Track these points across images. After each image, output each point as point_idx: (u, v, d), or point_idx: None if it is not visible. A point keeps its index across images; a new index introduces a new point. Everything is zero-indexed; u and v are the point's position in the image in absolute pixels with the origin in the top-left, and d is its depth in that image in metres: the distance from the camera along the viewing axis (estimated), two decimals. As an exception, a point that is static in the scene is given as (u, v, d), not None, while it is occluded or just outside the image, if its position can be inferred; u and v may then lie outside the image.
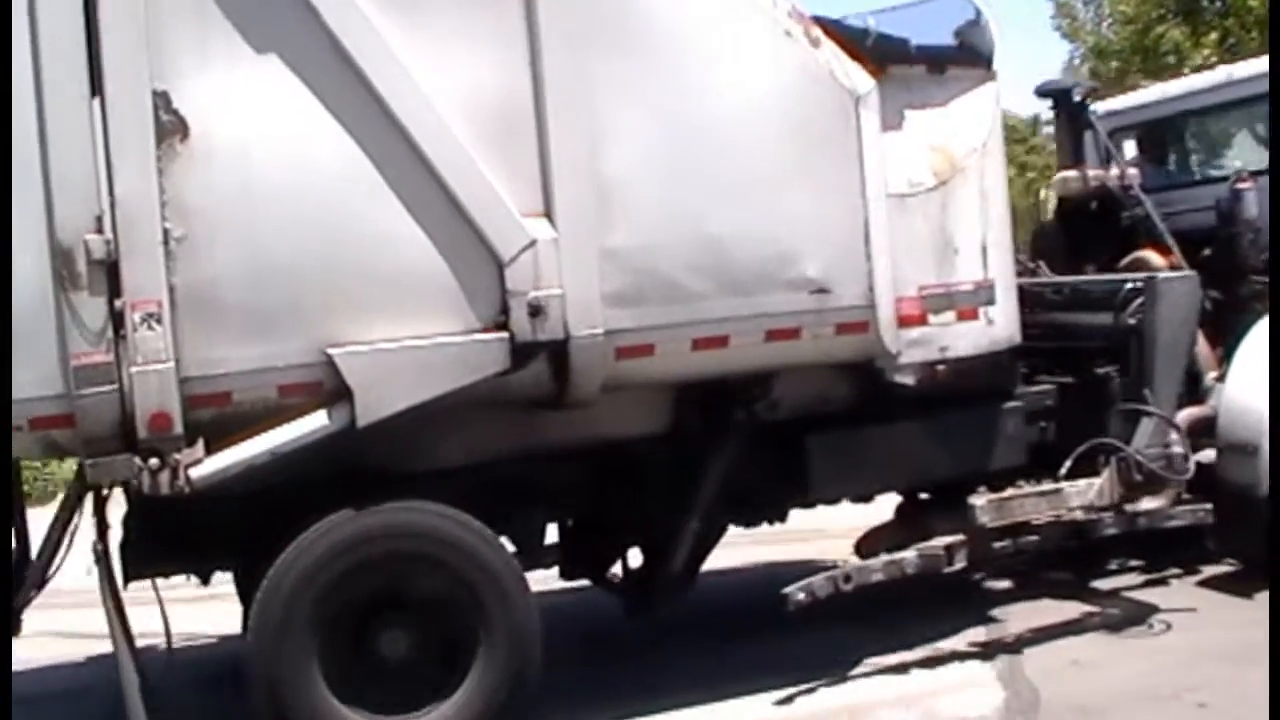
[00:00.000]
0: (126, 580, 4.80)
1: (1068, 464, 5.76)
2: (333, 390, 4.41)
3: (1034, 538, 5.64)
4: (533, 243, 4.61)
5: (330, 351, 4.37)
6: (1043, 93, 7.48)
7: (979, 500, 5.53)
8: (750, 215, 4.95)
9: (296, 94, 4.37)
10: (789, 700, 5.12)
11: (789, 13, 5.09)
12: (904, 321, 5.40)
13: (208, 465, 4.30)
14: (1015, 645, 5.58)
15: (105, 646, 4.66)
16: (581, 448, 5.16)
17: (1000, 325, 5.74)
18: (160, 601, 4.83)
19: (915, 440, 5.66)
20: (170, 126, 4.25)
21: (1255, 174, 6.64)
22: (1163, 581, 6.38)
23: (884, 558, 5.45)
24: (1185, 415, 6.09)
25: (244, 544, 4.75)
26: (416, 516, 4.58)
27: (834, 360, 5.31)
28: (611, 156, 4.73)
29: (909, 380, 5.47)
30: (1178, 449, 5.88)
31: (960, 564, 5.50)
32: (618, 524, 5.58)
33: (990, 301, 5.67)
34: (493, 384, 4.61)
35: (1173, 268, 6.57)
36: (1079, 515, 5.72)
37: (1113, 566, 6.69)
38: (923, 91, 5.71)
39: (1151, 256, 6.59)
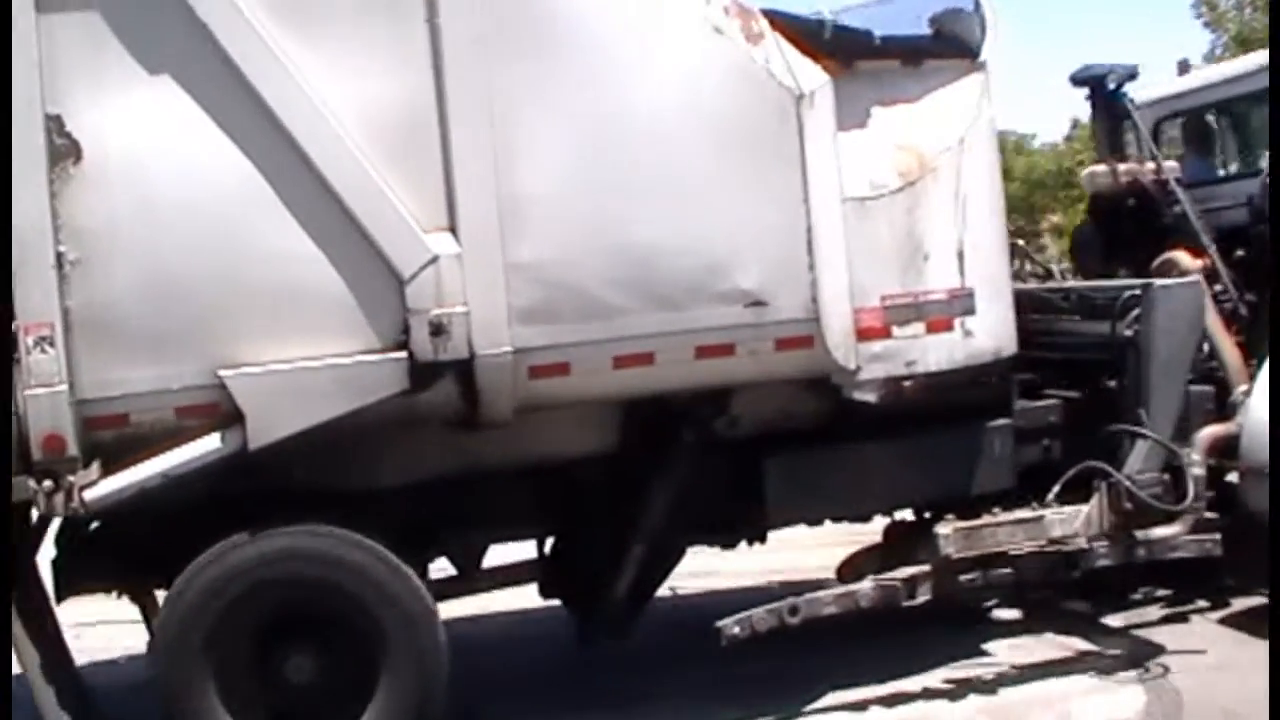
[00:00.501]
0: (59, 597, 4.92)
1: (1055, 489, 5.36)
2: (228, 412, 4.41)
3: (1007, 570, 5.22)
4: (435, 259, 4.51)
5: (222, 374, 4.37)
6: (1076, 80, 6.98)
7: (944, 529, 5.17)
8: (676, 224, 4.74)
9: (192, 115, 4.38)
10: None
11: (725, 7, 4.85)
12: (864, 334, 5.10)
13: (102, 487, 4.35)
14: (989, 686, 5.20)
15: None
16: (525, 467, 5.05)
17: (983, 337, 5.38)
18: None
19: (886, 462, 5.36)
20: (63, 150, 4.31)
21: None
22: (1182, 618, 5.86)
23: (837, 590, 5.17)
24: (1206, 434, 5.59)
25: (170, 562, 4.80)
26: (314, 540, 4.54)
27: (779, 377, 5.05)
28: (522, 167, 4.60)
29: (871, 398, 5.16)
30: (1196, 470, 5.41)
31: (923, 597, 5.15)
32: (565, 546, 5.45)
33: (968, 311, 5.32)
34: (400, 404, 4.53)
35: (1206, 271, 6.05)
36: (1069, 545, 5.29)
37: (1137, 597, 6.19)
38: (895, 86, 5.40)
39: (1181, 258, 6.07)
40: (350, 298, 4.49)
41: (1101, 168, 6.59)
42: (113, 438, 4.41)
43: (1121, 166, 6.53)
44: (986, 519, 5.25)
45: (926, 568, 5.16)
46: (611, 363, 4.73)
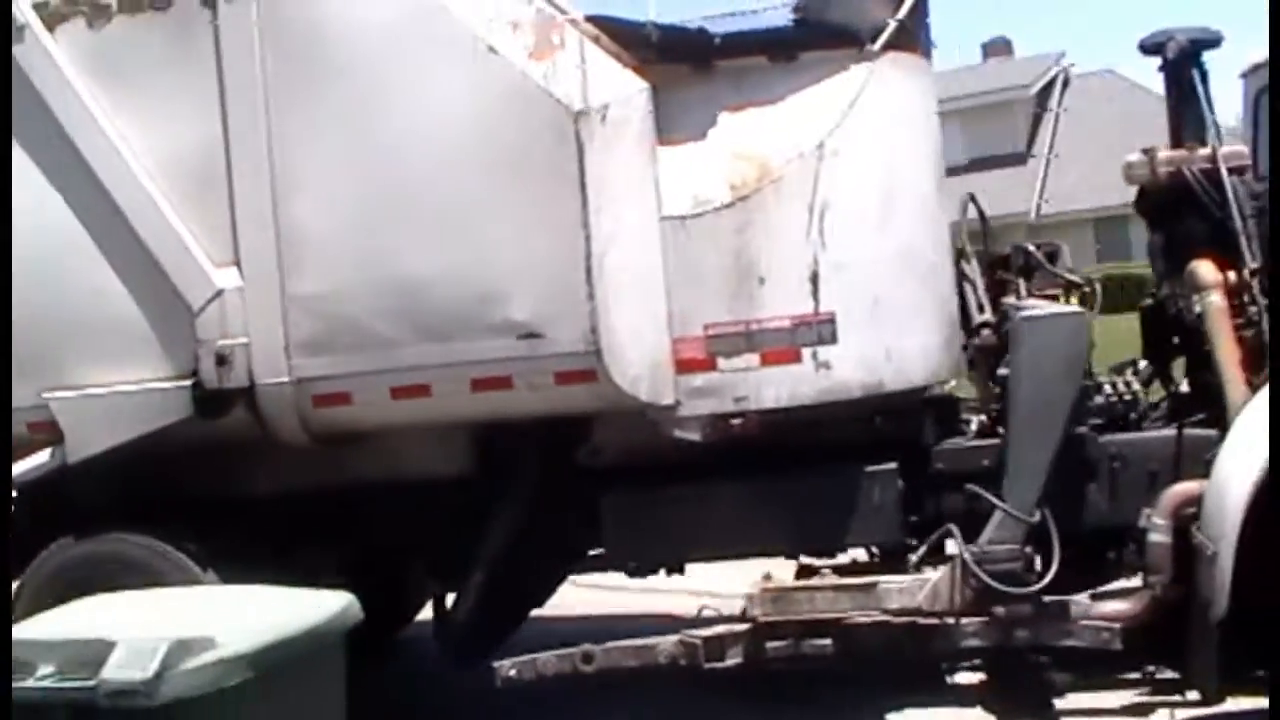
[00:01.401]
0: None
1: (919, 553, 4.69)
2: (59, 430, 5.05)
3: (826, 642, 4.62)
4: (219, 293, 4.85)
5: (44, 395, 5.01)
6: (1145, 48, 5.85)
7: (754, 588, 4.70)
8: (446, 255, 4.71)
9: (28, 170, 5.01)
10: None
11: (514, 23, 4.72)
12: (684, 366, 4.78)
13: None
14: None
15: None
16: (376, 486, 5.24)
17: (849, 369, 4.80)
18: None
19: (735, 504, 4.96)
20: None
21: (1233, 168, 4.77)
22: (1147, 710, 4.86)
23: (637, 641, 4.86)
24: (1172, 493, 4.60)
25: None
26: (116, 546, 5.05)
27: (576, 412, 4.85)
28: (298, 203, 4.80)
29: (694, 436, 4.81)
30: (1157, 536, 4.49)
31: (732, 660, 4.71)
32: (415, 567, 5.58)
33: (824, 340, 4.77)
34: (203, 427, 4.93)
35: (1229, 287, 4.93)
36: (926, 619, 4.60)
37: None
38: (759, 86, 4.95)
39: (1202, 269, 4.94)
40: (152, 329, 4.94)
41: (1137, 156, 5.47)
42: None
43: (1162, 154, 5.38)
44: (811, 581, 4.70)
45: (738, 628, 4.73)
46: (390, 393, 4.81)
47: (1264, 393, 4.45)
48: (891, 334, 4.87)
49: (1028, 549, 4.52)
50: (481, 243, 4.69)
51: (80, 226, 4.98)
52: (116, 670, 2.62)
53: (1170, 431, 4.94)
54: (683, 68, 4.96)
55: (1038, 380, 4.52)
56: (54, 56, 4.92)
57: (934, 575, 4.59)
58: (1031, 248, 5.70)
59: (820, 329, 4.77)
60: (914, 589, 4.57)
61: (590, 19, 4.85)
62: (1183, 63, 5.56)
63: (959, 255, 5.59)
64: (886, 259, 4.92)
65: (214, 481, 5.13)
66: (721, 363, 4.78)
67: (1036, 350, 4.51)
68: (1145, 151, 5.49)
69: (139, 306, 4.95)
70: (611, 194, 4.65)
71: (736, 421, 4.80)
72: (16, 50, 4.92)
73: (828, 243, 4.80)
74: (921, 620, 4.61)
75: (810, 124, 4.85)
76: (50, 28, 4.95)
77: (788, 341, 4.77)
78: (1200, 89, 5.55)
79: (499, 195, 4.67)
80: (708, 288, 4.77)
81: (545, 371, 4.69)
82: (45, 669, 2.73)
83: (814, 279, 4.79)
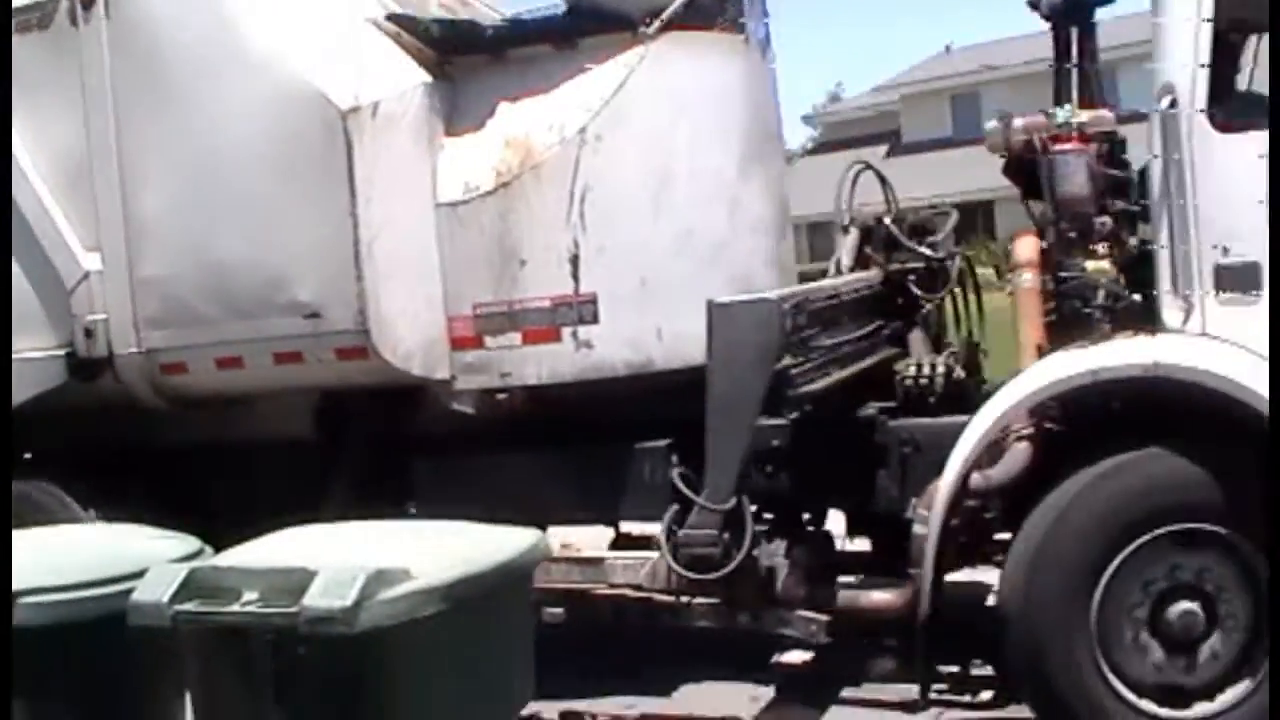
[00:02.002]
0: None
1: (663, 528, 4.86)
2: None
3: (559, 610, 4.87)
4: (86, 275, 5.62)
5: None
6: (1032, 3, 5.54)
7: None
8: (245, 242, 5.26)
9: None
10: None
11: (305, 29, 5.18)
12: (457, 344, 5.17)
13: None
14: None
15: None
16: (234, 443, 5.91)
17: (611, 348, 5.03)
18: None
19: (522, 475, 5.27)
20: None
21: (1085, 135, 4.46)
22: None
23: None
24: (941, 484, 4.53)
25: None
26: (23, 489, 5.91)
27: (362, 384, 5.31)
28: (142, 198, 5.47)
29: (468, 409, 5.20)
30: (919, 529, 4.48)
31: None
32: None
33: (585, 320, 5.02)
34: (82, 389, 5.74)
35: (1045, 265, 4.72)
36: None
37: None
38: (542, 74, 5.21)
39: (1019, 246, 4.73)
40: (41, 305, 5.77)
41: (993, 124, 5.25)
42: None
43: (1018, 122, 5.12)
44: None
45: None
46: (215, 364, 5.46)
47: (1017, 380, 4.31)
48: (663, 315, 5.03)
49: (725, 535, 4.60)
50: (271, 232, 5.21)
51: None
52: (317, 598, 2.72)
53: (964, 417, 4.85)
54: (479, 60, 5.27)
55: (729, 369, 4.54)
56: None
57: (654, 555, 4.77)
58: (888, 220, 5.61)
59: (581, 309, 5.00)
60: (637, 567, 4.79)
61: (391, 18, 5.24)
62: (1061, 19, 5.28)
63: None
64: (659, 241, 5.07)
65: (103, 437, 5.95)
66: (488, 340, 5.12)
67: (727, 339, 4.54)
68: (1001, 118, 5.28)
69: (31, 285, 5.78)
70: (382, 185, 5.06)
71: (502, 396, 5.14)
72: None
73: (589, 226, 5.01)
74: (657, 597, 4.82)
75: (576, 110, 5.05)
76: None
77: (548, 321, 5.03)
78: (1082, 47, 5.24)
79: (284, 190, 5.17)
80: (477, 270, 5.10)
81: (327, 348, 5.19)
82: (249, 595, 2.86)
83: (574, 261, 5.02)
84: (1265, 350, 3.84)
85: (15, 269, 5.76)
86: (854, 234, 5.67)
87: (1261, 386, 3.76)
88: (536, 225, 5.04)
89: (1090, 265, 4.36)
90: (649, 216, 5.07)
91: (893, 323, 5.44)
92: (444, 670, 2.93)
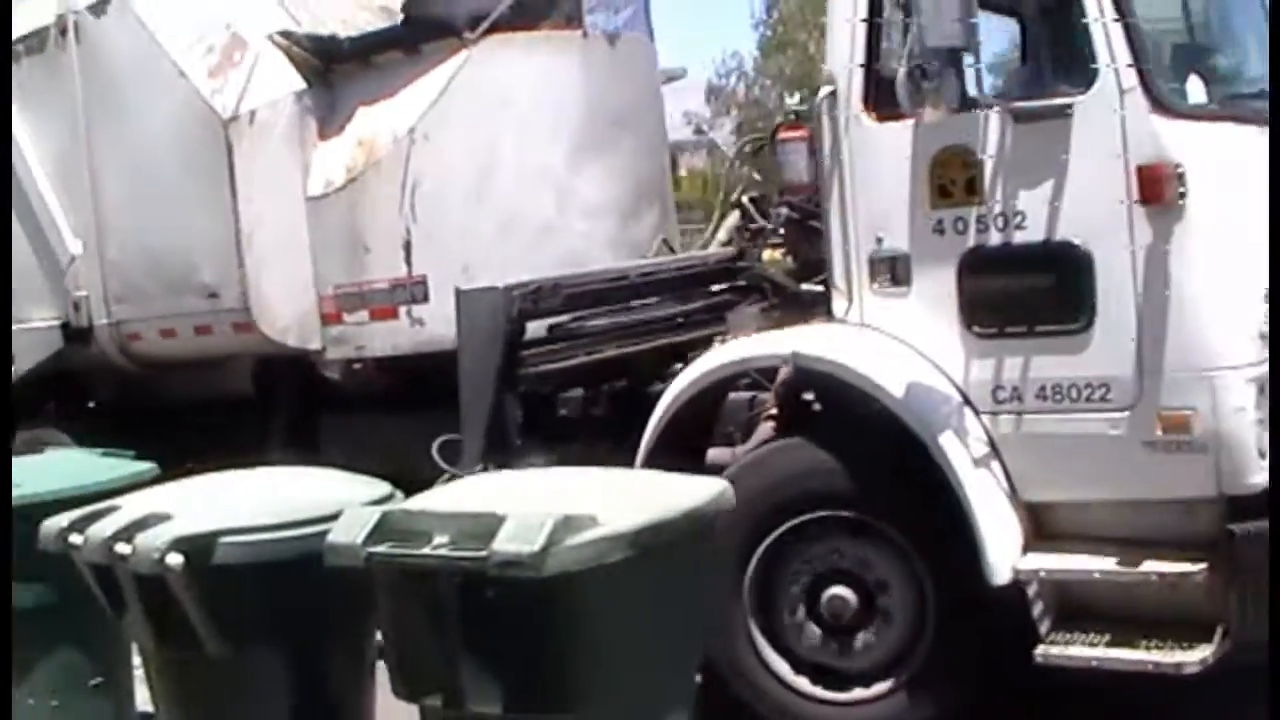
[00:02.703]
0: None
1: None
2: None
3: None
4: (74, 257, 6.81)
5: (-3, 328, 7.31)
6: None
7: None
8: (166, 232, 6.28)
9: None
10: None
11: (210, 45, 6.07)
12: (326, 319, 6.01)
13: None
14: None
15: None
16: (194, 400, 6.97)
17: (443, 325, 5.68)
18: None
19: (378, 432, 6.00)
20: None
21: (798, 122, 4.70)
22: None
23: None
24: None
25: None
26: (40, 434, 7.22)
27: (259, 353, 6.22)
28: (104, 191, 6.58)
29: (335, 376, 6.03)
30: None
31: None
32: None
33: (418, 299, 5.73)
34: (89, 350, 6.95)
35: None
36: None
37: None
38: (394, 78, 5.89)
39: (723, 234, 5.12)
40: (46, 282, 7.02)
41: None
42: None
43: None
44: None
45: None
46: (159, 334, 6.53)
47: (691, 365, 4.68)
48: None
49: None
50: (182, 224, 6.19)
51: (16, 209, 7.15)
52: (506, 543, 2.75)
53: None
54: (352, 68, 6.01)
55: (470, 348, 5.03)
56: (-8, 83, 7.07)
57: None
58: (745, 200, 5.95)
59: (413, 290, 5.71)
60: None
61: (282, 34, 6.05)
62: None
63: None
64: (483, 227, 5.69)
65: (104, 393, 7.19)
66: (346, 317, 5.92)
67: (467, 322, 5.02)
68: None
69: (37, 265, 7.02)
70: (259, 183, 5.93)
71: (358, 366, 5.94)
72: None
73: (419, 215, 5.70)
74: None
75: (409, 111, 5.71)
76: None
77: (387, 301, 5.77)
78: None
79: (189, 188, 6.13)
80: (335, 255, 5.90)
81: (225, 323, 6.14)
82: (440, 539, 2.90)
83: (407, 247, 5.72)
84: (919, 340, 4.07)
85: (27, 251, 7.02)
86: (735, 214, 6.04)
87: (888, 378, 4.01)
88: (377, 215, 5.77)
89: (766, 255, 4.66)
90: (473, 205, 5.69)
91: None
92: (629, 616, 2.95)
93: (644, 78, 6.26)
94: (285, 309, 5.99)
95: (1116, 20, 3.65)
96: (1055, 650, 3.83)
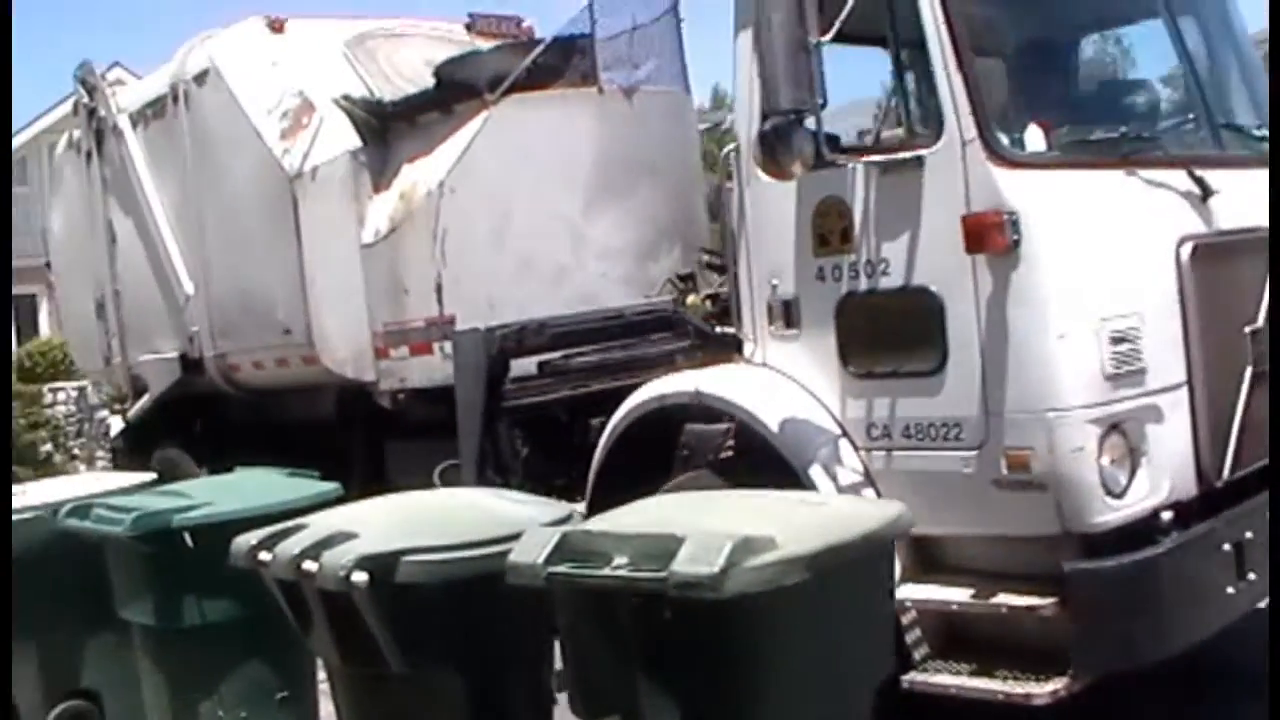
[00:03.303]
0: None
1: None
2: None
3: None
4: (189, 296, 7.78)
5: (133, 359, 8.37)
6: None
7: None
8: (251, 277, 7.13)
9: (124, 218, 8.32)
10: None
11: (285, 111, 6.90)
12: (377, 354, 6.72)
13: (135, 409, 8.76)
14: None
15: None
16: (297, 422, 7.81)
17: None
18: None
19: (434, 456, 6.66)
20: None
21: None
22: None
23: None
24: None
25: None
26: (166, 453, 8.18)
27: (328, 383, 6.96)
28: (208, 238, 7.51)
29: (386, 405, 6.71)
30: None
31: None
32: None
33: (449, 336, 6.36)
34: (202, 379, 7.93)
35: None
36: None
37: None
38: (430, 136, 6.57)
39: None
40: (170, 319, 8.02)
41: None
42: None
43: None
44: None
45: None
46: (251, 365, 7.40)
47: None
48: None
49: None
50: (262, 269, 7.03)
51: (144, 253, 8.20)
52: (685, 564, 2.75)
53: None
54: (403, 126, 6.72)
55: (461, 383, 5.62)
56: (130, 145, 8.14)
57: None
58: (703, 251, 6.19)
59: (444, 328, 6.31)
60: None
61: (344, 98, 6.83)
62: None
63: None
64: (502, 270, 6.26)
65: (217, 416, 8.14)
66: (392, 352, 6.59)
67: (458, 360, 5.64)
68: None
69: (165, 302, 8.04)
70: (320, 233, 6.69)
71: (401, 396, 6.60)
72: (117, 147, 8.23)
73: (448, 260, 6.31)
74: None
75: (439, 166, 6.35)
76: (134, 126, 8.17)
77: (424, 337, 6.41)
78: None
79: (266, 236, 6.95)
80: (382, 297, 6.58)
81: (297, 356, 6.93)
82: (619, 560, 2.92)
83: (438, 289, 6.35)
84: (808, 379, 4.39)
85: (156, 291, 8.06)
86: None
87: (769, 413, 4.34)
88: (414, 261, 6.41)
89: (690, 299, 5.02)
90: (495, 250, 6.27)
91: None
92: (806, 639, 2.95)
93: (668, 126, 6.70)
94: (343, 344, 6.71)
95: (958, 73, 3.89)
96: (920, 678, 4.06)
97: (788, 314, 4.45)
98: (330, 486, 4.69)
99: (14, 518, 5.08)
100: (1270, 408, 4.16)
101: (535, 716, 3.66)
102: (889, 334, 4.17)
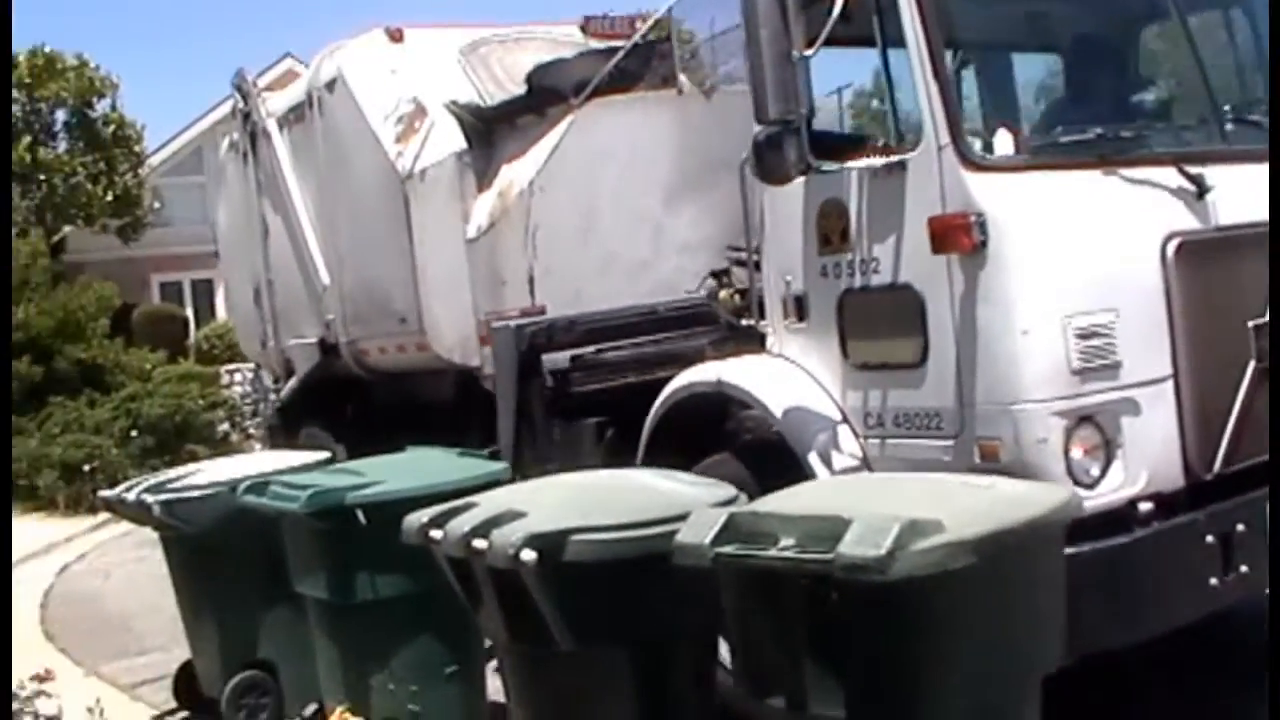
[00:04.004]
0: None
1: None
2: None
3: None
4: (326, 286, 8.58)
5: (284, 343, 9.24)
6: None
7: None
8: (373, 269, 7.84)
9: (275, 217, 9.18)
10: None
11: (399, 116, 7.58)
12: (481, 341, 7.30)
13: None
14: None
15: None
16: (423, 401, 8.52)
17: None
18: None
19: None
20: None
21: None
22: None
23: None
24: None
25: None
26: (310, 429, 9.01)
27: (440, 368, 7.61)
28: (339, 233, 8.28)
29: (490, 389, 7.32)
30: None
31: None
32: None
33: (527, 329, 6.92)
34: (338, 363, 8.73)
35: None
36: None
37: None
38: (525, 137, 7.13)
39: None
40: (311, 306, 8.84)
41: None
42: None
43: None
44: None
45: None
46: (378, 350, 8.13)
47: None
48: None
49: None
50: (381, 262, 7.72)
51: (291, 246, 9.05)
52: (852, 546, 2.75)
53: None
54: (505, 128, 7.31)
55: (498, 373, 6.24)
56: (277, 147, 8.99)
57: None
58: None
59: (536, 317, 6.87)
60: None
61: (452, 103, 7.46)
62: None
63: None
64: (588, 264, 6.78)
65: (353, 397, 8.93)
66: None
67: (494, 354, 6.27)
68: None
69: (307, 291, 8.86)
70: (429, 229, 7.33)
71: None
72: (266, 149, 9.10)
73: (538, 254, 6.87)
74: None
75: (530, 166, 6.90)
76: (280, 129, 9.03)
77: (518, 325, 6.98)
78: None
79: (384, 232, 7.62)
80: (484, 288, 7.17)
81: (412, 343, 7.61)
82: (786, 541, 2.94)
83: (530, 281, 6.91)
84: (816, 369, 4.74)
85: (300, 281, 8.90)
86: None
87: (777, 401, 4.71)
88: (509, 255, 6.98)
89: (723, 294, 5.39)
90: (580, 245, 6.78)
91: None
92: (972, 624, 2.93)
93: (747, 123, 6.99)
94: (451, 332, 7.34)
95: (934, 80, 4.16)
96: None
97: (799, 308, 4.81)
98: (499, 466, 4.90)
99: (195, 494, 5.68)
100: (1270, 405, 4.24)
101: (700, 695, 3.73)
102: (880, 328, 4.48)
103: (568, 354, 6.23)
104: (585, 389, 6.08)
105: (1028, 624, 3.10)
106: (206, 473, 6.04)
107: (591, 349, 6.20)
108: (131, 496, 5.85)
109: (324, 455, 6.51)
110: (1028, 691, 3.17)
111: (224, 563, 5.61)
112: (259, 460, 6.83)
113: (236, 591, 5.64)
